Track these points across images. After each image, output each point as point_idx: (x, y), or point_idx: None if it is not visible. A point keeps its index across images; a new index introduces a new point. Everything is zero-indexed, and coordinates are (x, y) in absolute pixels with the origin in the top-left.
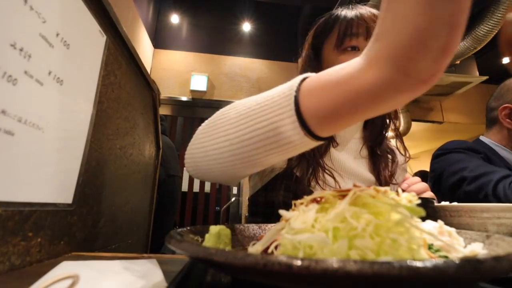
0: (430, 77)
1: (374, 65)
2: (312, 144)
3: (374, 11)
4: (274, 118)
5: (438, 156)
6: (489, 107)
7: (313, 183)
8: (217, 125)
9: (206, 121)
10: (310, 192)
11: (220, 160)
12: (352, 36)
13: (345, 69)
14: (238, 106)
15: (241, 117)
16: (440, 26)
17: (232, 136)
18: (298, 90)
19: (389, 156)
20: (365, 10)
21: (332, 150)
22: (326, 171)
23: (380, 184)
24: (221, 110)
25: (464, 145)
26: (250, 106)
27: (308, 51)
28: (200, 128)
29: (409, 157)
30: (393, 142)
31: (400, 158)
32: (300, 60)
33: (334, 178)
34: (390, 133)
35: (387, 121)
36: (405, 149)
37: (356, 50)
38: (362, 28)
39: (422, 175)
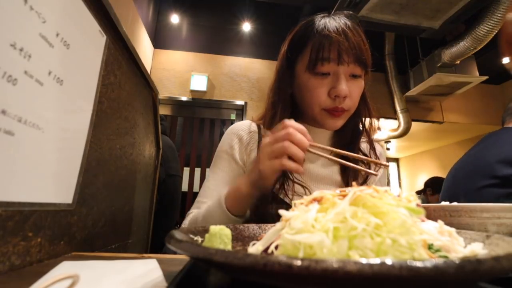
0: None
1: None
2: (232, 217)
3: (349, 23)
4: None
5: None
6: None
7: (281, 195)
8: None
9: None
10: (280, 200)
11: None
12: (323, 61)
13: (234, 186)
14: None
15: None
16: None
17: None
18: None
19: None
20: (338, 25)
21: None
22: (296, 181)
23: None
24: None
25: None
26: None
27: (282, 61)
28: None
29: (376, 172)
30: (378, 148)
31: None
32: (278, 60)
33: (303, 186)
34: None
35: (360, 128)
36: (376, 163)
37: (327, 75)
38: (334, 53)
39: (432, 182)
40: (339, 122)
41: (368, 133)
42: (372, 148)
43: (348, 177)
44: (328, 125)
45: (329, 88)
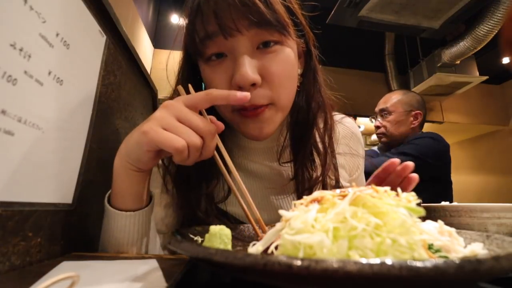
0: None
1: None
2: (117, 212)
3: None
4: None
5: None
6: None
7: (222, 206)
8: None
9: None
10: (222, 211)
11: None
12: (205, 40)
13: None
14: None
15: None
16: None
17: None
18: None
19: (316, 163)
20: None
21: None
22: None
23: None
24: None
25: None
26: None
27: (184, 53)
28: None
29: (320, 178)
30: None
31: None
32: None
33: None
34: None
35: (311, 118)
36: (324, 164)
37: (223, 58)
38: (211, 23)
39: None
40: (263, 126)
41: (328, 127)
42: (328, 148)
43: (298, 184)
44: (248, 133)
45: (229, 75)
